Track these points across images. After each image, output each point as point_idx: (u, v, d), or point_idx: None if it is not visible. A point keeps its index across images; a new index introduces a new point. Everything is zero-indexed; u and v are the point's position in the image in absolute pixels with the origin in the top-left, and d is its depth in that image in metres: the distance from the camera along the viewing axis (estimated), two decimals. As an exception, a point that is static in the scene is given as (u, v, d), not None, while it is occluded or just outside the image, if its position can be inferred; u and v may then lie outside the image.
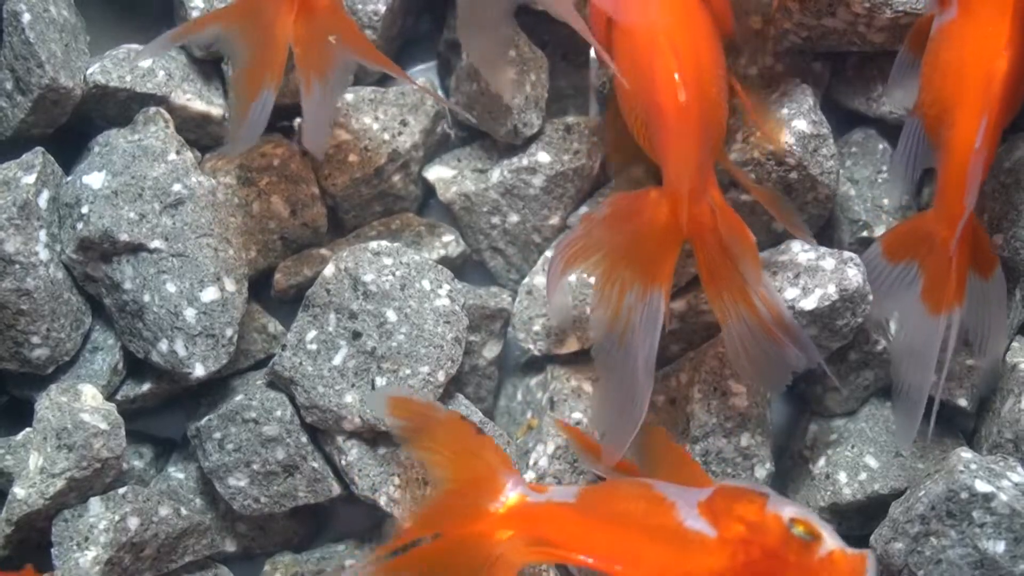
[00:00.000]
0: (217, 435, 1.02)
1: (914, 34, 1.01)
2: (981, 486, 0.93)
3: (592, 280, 0.94)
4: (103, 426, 0.97)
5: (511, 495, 0.91)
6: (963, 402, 1.04)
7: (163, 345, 0.98)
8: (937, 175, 0.97)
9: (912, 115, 1.00)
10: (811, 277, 1.00)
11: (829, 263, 1.00)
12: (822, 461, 1.05)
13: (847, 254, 1.01)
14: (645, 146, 0.95)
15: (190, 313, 0.98)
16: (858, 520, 1.05)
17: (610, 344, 0.91)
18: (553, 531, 0.90)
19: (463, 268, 1.11)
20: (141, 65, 1.05)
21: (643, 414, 0.90)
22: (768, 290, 0.92)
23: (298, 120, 1.06)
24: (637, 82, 0.93)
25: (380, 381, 1.00)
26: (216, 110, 1.07)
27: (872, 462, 1.04)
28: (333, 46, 0.94)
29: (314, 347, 1.01)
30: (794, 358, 0.93)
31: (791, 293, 1.00)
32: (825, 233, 1.09)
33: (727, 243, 0.91)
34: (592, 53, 1.11)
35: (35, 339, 0.99)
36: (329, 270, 1.02)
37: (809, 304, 1.00)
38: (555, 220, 1.09)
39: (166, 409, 1.08)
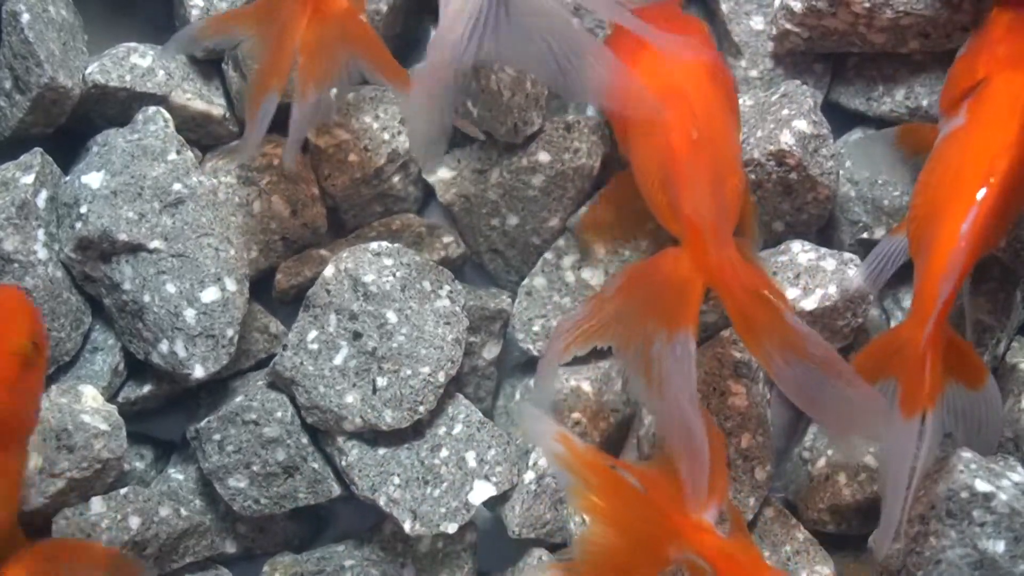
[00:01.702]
0: (217, 437, 1.01)
1: (911, 130, 1.01)
2: (981, 485, 0.93)
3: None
4: (104, 427, 0.97)
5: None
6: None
7: (163, 346, 0.98)
8: (915, 280, 0.93)
9: (896, 233, 0.98)
10: (811, 277, 1.00)
11: (830, 264, 1.01)
12: (822, 462, 1.05)
13: (847, 255, 1.02)
14: (663, 210, 0.93)
15: (190, 314, 0.98)
16: (857, 520, 1.05)
17: (654, 398, 0.89)
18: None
19: (463, 269, 1.11)
20: (140, 64, 1.05)
21: (706, 446, 0.87)
22: (806, 331, 0.88)
23: None
24: (649, 144, 0.92)
25: (381, 382, 1.00)
26: (216, 110, 1.07)
27: (872, 462, 1.04)
28: (341, 56, 0.94)
29: (315, 347, 1.01)
30: (863, 396, 0.88)
31: (791, 293, 1.00)
32: (825, 234, 1.10)
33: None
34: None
35: (35, 339, 0.99)
36: (329, 271, 1.02)
37: (809, 304, 1.00)
38: (555, 222, 1.09)
39: (167, 410, 1.08)
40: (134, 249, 0.99)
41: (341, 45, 0.94)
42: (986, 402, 0.95)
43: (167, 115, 1.03)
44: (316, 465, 1.03)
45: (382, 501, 1.01)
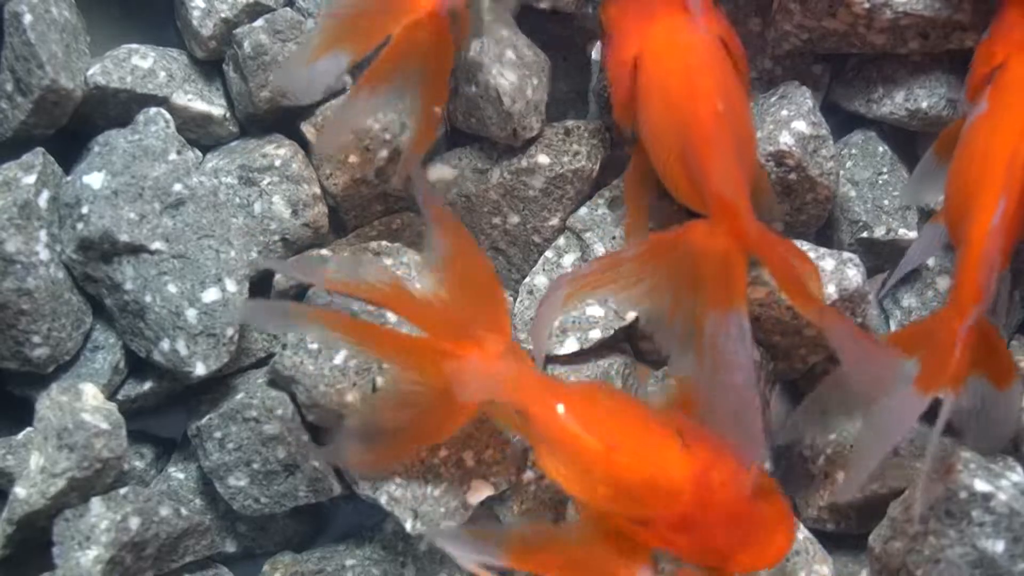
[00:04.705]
0: (218, 434, 1.02)
1: (941, 140, 1.01)
2: (980, 485, 0.93)
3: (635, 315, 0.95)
4: (104, 426, 0.97)
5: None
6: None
7: (165, 344, 0.99)
8: (954, 269, 0.94)
9: (934, 221, 0.99)
10: (811, 277, 1.00)
11: (829, 264, 1.01)
12: (821, 460, 1.05)
13: (847, 255, 1.02)
14: (681, 186, 0.94)
15: (191, 313, 0.98)
16: (857, 519, 1.05)
17: (704, 373, 0.89)
18: None
19: (464, 268, 1.11)
20: (141, 66, 1.05)
21: (760, 421, 0.88)
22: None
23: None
24: (671, 114, 0.93)
25: (380, 381, 1.00)
26: (217, 110, 1.07)
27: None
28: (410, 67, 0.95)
29: (315, 346, 1.01)
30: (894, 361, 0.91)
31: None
32: (825, 234, 1.10)
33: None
34: (594, 54, 1.12)
35: (36, 338, 0.99)
36: (330, 270, 1.02)
37: (809, 304, 1.00)
38: (555, 221, 1.09)
39: (166, 409, 1.08)
40: (135, 250, 0.99)
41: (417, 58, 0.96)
42: (1006, 404, 0.96)
43: (168, 116, 1.04)
44: (316, 463, 1.03)
45: (383, 500, 1.01)
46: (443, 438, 0.93)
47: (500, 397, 0.90)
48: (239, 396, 1.02)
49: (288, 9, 1.06)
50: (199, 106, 1.06)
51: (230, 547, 1.07)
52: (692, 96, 0.92)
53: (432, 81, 0.96)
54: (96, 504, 0.97)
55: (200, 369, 0.98)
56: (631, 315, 1.04)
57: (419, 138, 0.98)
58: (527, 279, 1.08)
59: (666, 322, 0.90)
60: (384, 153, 1.06)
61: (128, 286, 0.99)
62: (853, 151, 1.11)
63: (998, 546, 0.93)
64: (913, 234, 1.07)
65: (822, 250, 1.02)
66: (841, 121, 1.11)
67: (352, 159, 1.06)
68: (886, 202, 1.09)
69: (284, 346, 1.02)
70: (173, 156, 1.02)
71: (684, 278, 0.90)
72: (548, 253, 1.09)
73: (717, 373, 0.89)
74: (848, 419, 1.00)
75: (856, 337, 0.89)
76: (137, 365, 1.04)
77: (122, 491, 0.98)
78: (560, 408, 0.88)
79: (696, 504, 0.86)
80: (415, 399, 0.92)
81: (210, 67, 1.09)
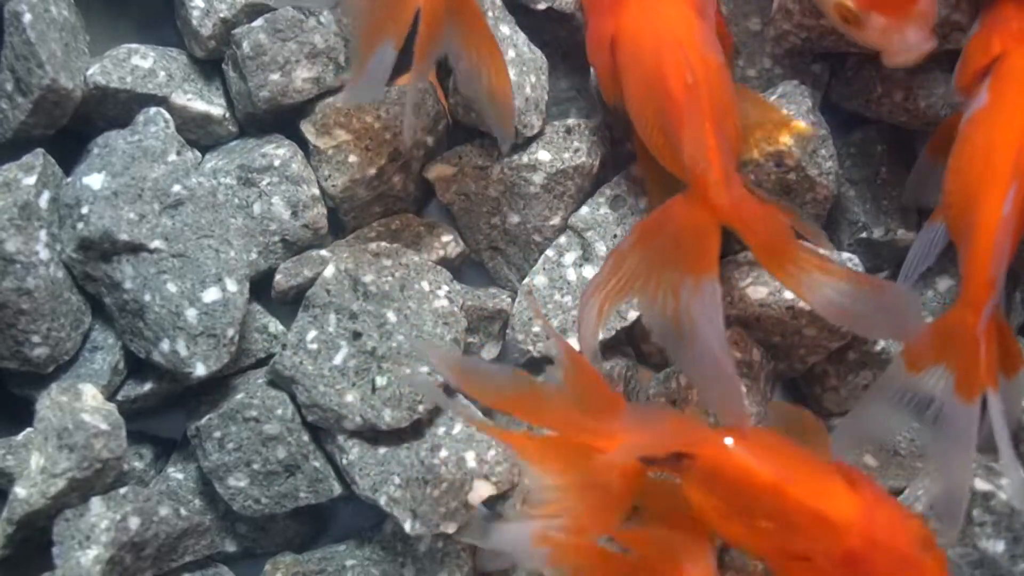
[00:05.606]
0: (217, 434, 1.02)
1: (936, 138, 1.01)
2: (980, 484, 0.93)
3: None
4: (104, 426, 0.97)
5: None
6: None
7: (164, 345, 0.99)
8: (961, 265, 0.93)
9: (933, 221, 0.98)
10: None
11: (829, 263, 1.01)
12: (821, 461, 1.05)
13: (846, 255, 1.02)
14: (666, 157, 0.94)
15: (191, 313, 0.98)
16: (857, 520, 1.05)
17: (679, 342, 0.90)
18: None
19: (462, 268, 1.11)
20: (141, 66, 1.05)
21: (739, 383, 0.90)
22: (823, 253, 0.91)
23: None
24: (647, 86, 0.93)
25: (380, 381, 1.00)
26: (217, 110, 1.07)
27: (871, 461, 1.04)
28: (447, 29, 0.94)
29: (315, 347, 1.01)
30: (901, 291, 0.93)
31: (790, 292, 1.00)
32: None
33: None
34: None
35: (35, 338, 0.99)
36: (329, 271, 1.02)
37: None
38: (556, 220, 1.09)
39: (166, 409, 1.08)
40: (135, 249, 0.99)
41: (450, 16, 0.95)
42: (1013, 393, 0.95)
43: (167, 116, 1.04)
44: (317, 464, 1.03)
45: (383, 501, 1.01)
46: (612, 528, 0.91)
47: (662, 444, 0.88)
48: (239, 396, 1.02)
49: (287, 9, 1.06)
50: (199, 106, 1.06)
51: (230, 547, 1.07)
52: (662, 69, 0.92)
53: (474, 33, 0.96)
54: (96, 504, 0.97)
55: (200, 370, 0.98)
56: (632, 315, 1.05)
57: (499, 85, 0.99)
58: (526, 280, 1.08)
59: (654, 298, 0.91)
60: (383, 154, 1.07)
61: (127, 285, 0.99)
62: (852, 150, 1.11)
63: (998, 546, 0.93)
64: (912, 234, 1.07)
65: (821, 251, 1.02)
66: (841, 121, 1.11)
67: (352, 160, 1.06)
68: (885, 202, 1.09)
69: (284, 346, 1.02)
70: (172, 157, 1.01)
71: (669, 253, 0.91)
72: (549, 252, 1.08)
73: (692, 339, 0.89)
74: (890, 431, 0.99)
75: (851, 275, 0.90)
76: (136, 366, 1.04)
77: (122, 491, 0.98)
78: (729, 440, 0.88)
79: (861, 542, 0.84)
80: (571, 500, 0.89)
81: (210, 67, 1.09)
